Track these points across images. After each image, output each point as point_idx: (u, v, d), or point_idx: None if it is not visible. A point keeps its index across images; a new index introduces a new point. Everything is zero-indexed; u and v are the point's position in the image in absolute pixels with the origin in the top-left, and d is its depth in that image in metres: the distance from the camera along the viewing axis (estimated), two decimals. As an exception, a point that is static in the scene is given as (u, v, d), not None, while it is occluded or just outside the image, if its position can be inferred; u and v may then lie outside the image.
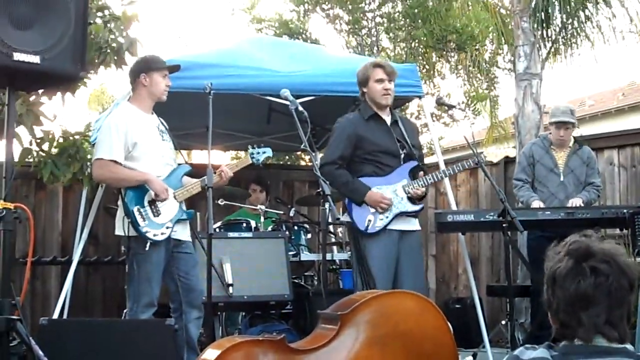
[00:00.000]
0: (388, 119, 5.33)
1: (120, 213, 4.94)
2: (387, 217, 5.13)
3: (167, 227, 4.91)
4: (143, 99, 5.06)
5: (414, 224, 5.32)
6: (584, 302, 2.03)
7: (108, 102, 21.05)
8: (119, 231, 4.94)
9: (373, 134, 5.23)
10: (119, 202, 4.96)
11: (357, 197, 5.13)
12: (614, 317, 2.04)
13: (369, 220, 5.11)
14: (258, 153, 5.37)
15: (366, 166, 5.21)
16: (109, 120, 5.05)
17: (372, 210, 5.12)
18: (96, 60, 5.16)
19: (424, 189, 5.26)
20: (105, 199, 6.54)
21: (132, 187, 4.91)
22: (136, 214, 4.83)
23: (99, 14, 5.24)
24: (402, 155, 5.26)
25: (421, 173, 5.30)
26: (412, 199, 5.23)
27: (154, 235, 4.85)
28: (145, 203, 4.88)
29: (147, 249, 4.81)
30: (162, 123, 5.16)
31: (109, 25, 5.20)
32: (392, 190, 5.19)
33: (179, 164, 5.21)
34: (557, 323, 2.11)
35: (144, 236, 4.82)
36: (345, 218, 5.28)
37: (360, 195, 5.12)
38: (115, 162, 4.86)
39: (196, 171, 5.21)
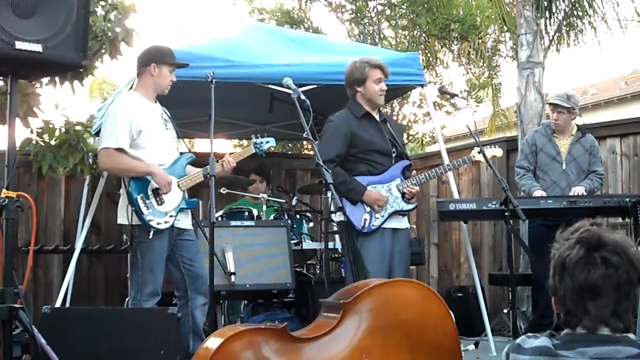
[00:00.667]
0: (378, 118, 5.37)
1: (123, 202, 4.94)
2: (382, 215, 5.20)
3: (171, 216, 4.92)
4: (147, 87, 5.05)
5: (405, 223, 5.40)
6: (593, 292, 2.03)
7: (109, 91, 21.01)
8: (122, 220, 4.93)
9: (366, 132, 5.26)
10: (122, 191, 4.96)
11: (355, 196, 5.15)
12: (621, 309, 2.04)
13: (365, 220, 5.16)
14: (261, 143, 5.38)
15: (360, 165, 5.24)
16: (113, 107, 5.04)
17: (368, 209, 5.17)
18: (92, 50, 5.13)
19: (417, 188, 5.33)
20: (107, 186, 6.55)
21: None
22: (140, 202, 4.83)
23: (101, 3, 5.22)
24: (394, 155, 5.32)
25: (414, 172, 5.39)
26: (405, 198, 5.29)
27: (158, 223, 4.85)
28: (149, 192, 4.88)
29: (150, 237, 4.82)
30: (165, 112, 5.15)
31: (109, 15, 5.18)
32: (387, 189, 5.25)
33: (183, 153, 5.22)
34: (562, 310, 2.10)
35: (147, 224, 4.82)
36: (339, 217, 5.30)
37: (358, 194, 5.15)
38: (121, 150, 4.86)
39: (199, 160, 5.21)
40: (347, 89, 5.40)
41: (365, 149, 5.23)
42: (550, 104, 6.32)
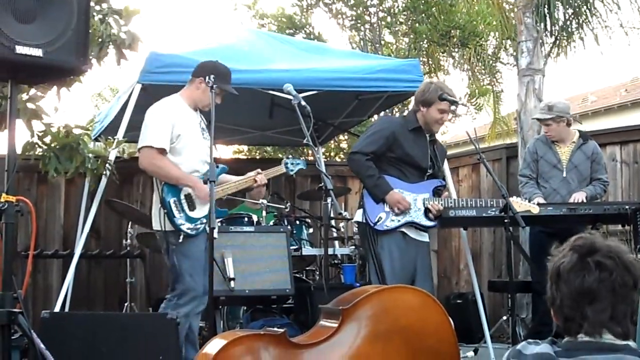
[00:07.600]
0: (428, 136, 5.42)
1: (156, 207, 4.98)
2: (398, 220, 5.22)
3: (202, 223, 4.94)
4: (190, 97, 5.10)
5: (424, 237, 5.43)
6: (589, 296, 2.03)
7: (109, 97, 21.03)
8: (155, 226, 4.97)
9: (409, 144, 5.31)
10: (155, 197, 5.00)
11: (379, 193, 5.20)
12: (618, 313, 2.04)
13: (380, 217, 5.19)
14: (293, 164, 5.56)
15: (392, 169, 5.31)
16: (158, 107, 5.05)
17: (387, 209, 5.20)
18: (92, 53, 5.10)
19: (442, 207, 5.31)
20: (106, 192, 6.53)
21: None
22: (172, 205, 4.88)
23: (99, 7, 5.19)
24: (428, 173, 5.38)
25: (445, 193, 5.42)
26: (428, 214, 5.30)
27: (188, 228, 4.89)
28: (182, 197, 4.92)
29: (180, 240, 4.86)
30: (203, 120, 5.17)
31: (107, 18, 5.16)
32: (413, 199, 5.28)
33: (218, 165, 5.23)
34: (560, 318, 2.11)
35: (178, 228, 4.86)
36: (358, 218, 5.32)
37: (383, 192, 5.20)
38: (163, 150, 4.89)
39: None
40: (414, 103, 5.50)
41: (400, 158, 5.29)
42: (536, 119, 6.34)
